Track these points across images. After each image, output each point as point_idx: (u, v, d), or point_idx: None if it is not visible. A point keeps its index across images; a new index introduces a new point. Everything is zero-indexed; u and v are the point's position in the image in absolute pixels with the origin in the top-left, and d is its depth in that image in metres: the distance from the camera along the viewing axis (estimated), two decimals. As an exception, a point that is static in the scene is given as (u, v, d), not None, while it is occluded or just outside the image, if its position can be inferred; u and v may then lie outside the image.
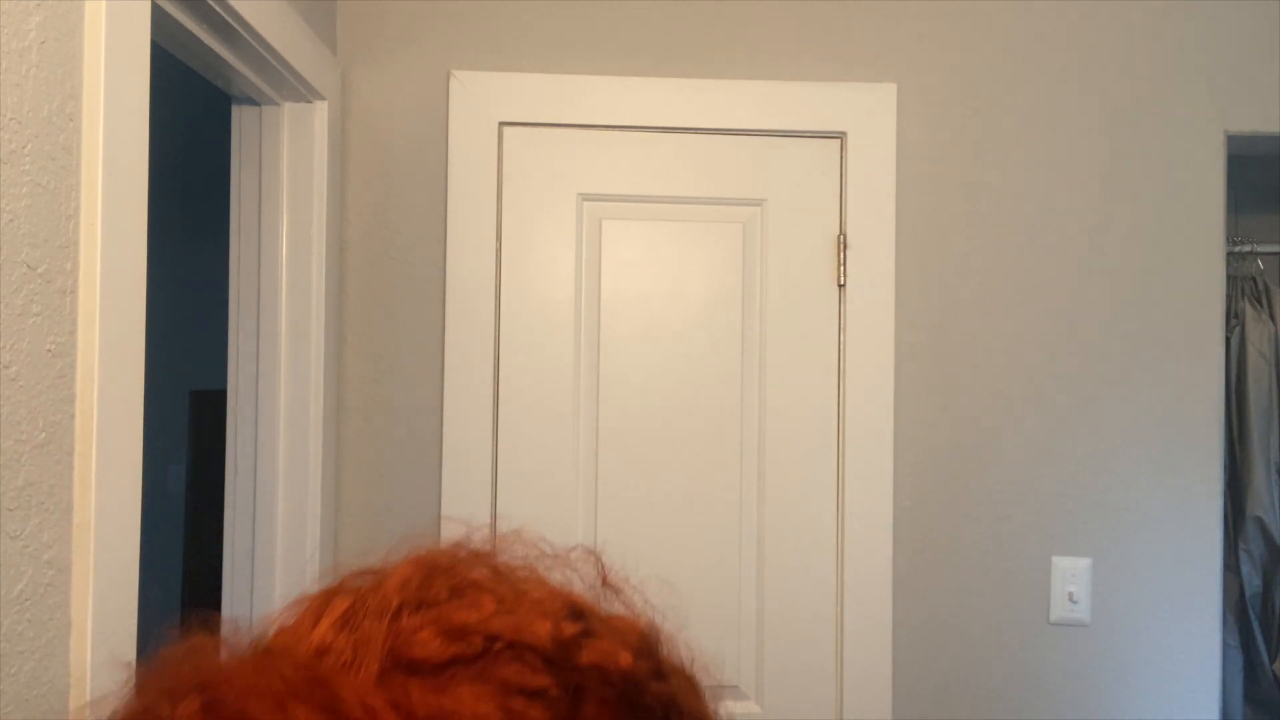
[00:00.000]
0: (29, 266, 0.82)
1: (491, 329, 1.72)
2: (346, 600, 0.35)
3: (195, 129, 2.37)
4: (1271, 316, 2.28)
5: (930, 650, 1.74)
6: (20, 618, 0.81)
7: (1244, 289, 2.30)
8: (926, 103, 1.78)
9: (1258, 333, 2.26)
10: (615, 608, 0.39)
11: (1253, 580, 2.25)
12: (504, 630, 0.34)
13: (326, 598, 0.36)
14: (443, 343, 1.72)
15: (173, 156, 2.10)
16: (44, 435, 0.84)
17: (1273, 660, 2.24)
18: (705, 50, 1.77)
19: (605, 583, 0.39)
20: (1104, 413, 1.76)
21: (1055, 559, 1.74)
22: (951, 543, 1.75)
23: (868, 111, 1.76)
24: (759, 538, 1.73)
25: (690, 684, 0.39)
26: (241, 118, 1.59)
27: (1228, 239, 1.84)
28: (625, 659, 0.35)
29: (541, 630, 0.34)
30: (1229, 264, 1.95)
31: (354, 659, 0.33)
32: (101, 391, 0.90)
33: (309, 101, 1.60)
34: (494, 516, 1.70)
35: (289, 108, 1.59)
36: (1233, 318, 2.26)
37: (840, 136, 1.77)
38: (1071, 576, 1.74)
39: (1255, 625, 2.25)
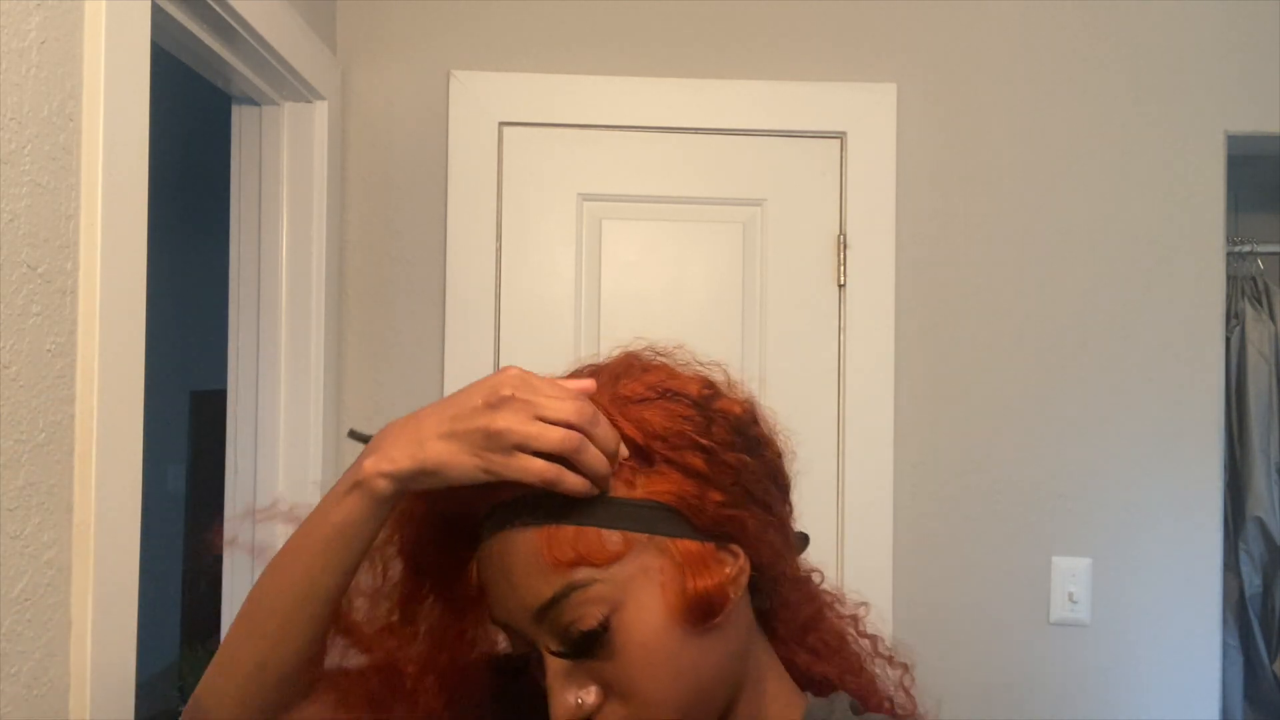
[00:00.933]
0: (29, 266, 0.82)
1: (491, 329, 1.72)
2: (586, 371, 0.75)
3: (195, 129, 2.36)
4: (1271, 316, 2.28)
5: (930, 650, 1.73)
6: (20, 618, 0.81)
7: (1244, 289, 2.30)
8: (926, 103, 1.78)
9: (1258, 333, 2.26)
10: (737, 394, 0.73)
11: (1253, 580, 2.25)
12: (672, 387, 0.68)
13: (574, 373, 0.74)
14: (443, 343, 1.72)
15: (173, 156, 2.10)
16: (44, 435, 0.84)
17: (1273, 660, 2.24)
18: (705, 50, 1.77)
19: (730, 384, 0.74)
20: (1104, 413, 1.76)
21: (1055, 559, 1.74)
22: (951, 543, 1.75)
23: (868, 111, 1.76)
24: (759, 538, 1.73)
25: (775, 440, 0.76)
26: (241, 118, 1.59)
27: (1228, 239, 1.84)
28: (737, 408, 0.71)
29: (692, 388, 0.69)
30: (1229, 264, 1.95)
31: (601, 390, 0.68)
32: (101, 391, 0.90)
33: (309, 101, 1.60)
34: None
35: (289, 108, 1.59)
36: (1233, 318, 2.26)
37: (840, 136, 1.77)
38: (1071, 576, 1.74)
39: (1255, 625, 2.25)
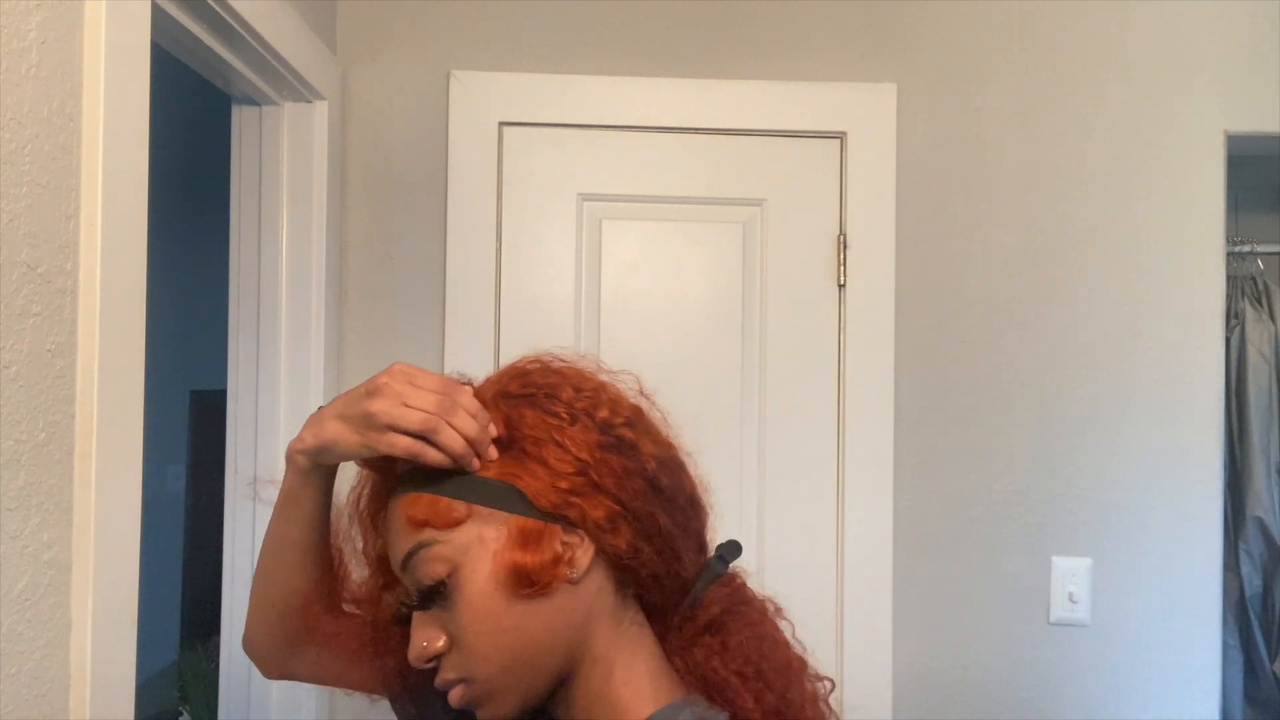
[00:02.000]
0: (29, 266, 0.82)
1: (491, 329, 1.72)
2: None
3: (195, 129, 2.36)
4: (1271, 316, 2.28)
5: (930, 650, 1.74)
6: (20, 618, 0.81)
7: (1244, 289, 2.30)
8: (926, 103, 1.78)
9: (1258, 333, 2.26)
10: (618, 401, 0.81)
11: (1253, 580, 2.25)
12: (548, 389, 0.79)
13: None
14: (443, 342, 1.72)
15: (173, 156, 2.10)
16: (44, 435, 0.84)
17: (1273, 660, 2.24)
18: (705, 50, 1.77)
19: (640, 392, 0.84)
20: (1104, 413, 1.76)
21: (1055, 559, 1.74)
22: (951, 543, 1.75)
23: (868, 111, 1.76)
24: (759, 537, 1.73)
25: (659, 445, 0.83)
26: (241, 118, 1.59)
27: (1228, 239, 1.84)
28: (604, 411, 0.78)
29: (565, 392, 0.79)
30: (1229, 264, 1.95)
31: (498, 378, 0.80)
32: (101, 391, 0.90)
33: (309, 101, 1.60)
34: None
35: (289, 108, 1.59)
36: (1233, 318, 2.26)
37: (840, 136, 1.77)
38: (1071, 576, 1.74)
39: (1255, 625, 2.25)
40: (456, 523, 0.72)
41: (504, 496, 0.72)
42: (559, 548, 0.72)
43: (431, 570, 0.71)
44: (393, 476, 0.78)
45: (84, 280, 0.90)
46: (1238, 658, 2.27)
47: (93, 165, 0.90)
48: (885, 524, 1.73)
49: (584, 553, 0.73)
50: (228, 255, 1.60)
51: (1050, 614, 1.74)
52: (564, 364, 0.82)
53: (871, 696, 1.71)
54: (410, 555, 0.72)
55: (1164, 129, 1.78)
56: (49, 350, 0.85)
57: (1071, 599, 1.73)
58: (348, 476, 0.82)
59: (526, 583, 0.70)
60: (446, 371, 1.71)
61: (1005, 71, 1.78)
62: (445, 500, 0.72)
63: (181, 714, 2.24)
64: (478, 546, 0.71)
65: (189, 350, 3.06)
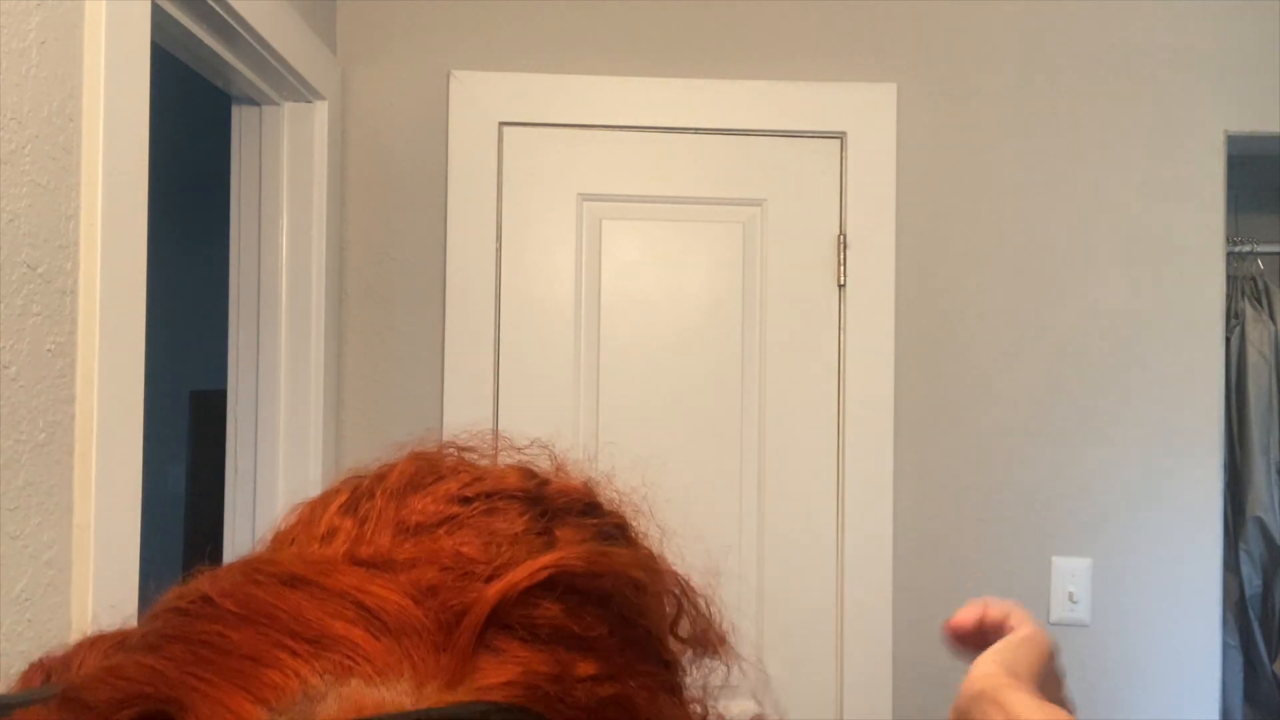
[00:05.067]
0: (29, 266, 0.82)
1: (491, 329, 1.72)
2: (345, 493, 0.42)
3: (195, 129, 2.37)
4: (1271, 316, 2.28)
5: (930, 650, 1.74)
6: (20, 618, 0.81)
7: (1244, 289, 2.30)
8: (926, 103, 1.78)
9: (1258, 333, 2.26)
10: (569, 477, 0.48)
11: (1253, 580, 2.25)
12: (484, 489, 0.42)
13: (325, 496, 0.43)
14: (443, 343, 1.72)
15: (173, 156, 2.10)
16: (44, 435, 0.84)
17: (1273, 660, 2.24)
18: (705, 50, 1.77)
19: (560, 468, 0.47)
20: (1104, 413, 1.76)
21: (1055, 559, 1.74)
22: (951, 543, 1.75)
23: (868, 111, 1.76)
24: (759, 537, 1.73)
25: (626, 514, 0.47)
26: (241, 118, 1.59)
27: (1228, 239, 1.84)
28: (579, 485, 0.45)
29: (512, 480, 0.43)
30: (1229, 264, 1.95)
31: (362, 534, 0.39)
32: (101, 391, 0.90)
33: (309, 101, 1.60)
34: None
35: (289, 108, 1.59)
36: (1233, 318, 2.26)
37: (840, 136, 1.77)
38: (1071, 576, 1.74)
39: (1255, 625, 2.25)
40: None
41: None
42: None
43: None
44: None
45: (84, 280, 0.90)
46: (1238, 658, 2.27)
47: (93, 165, 0.90)
48: (885, 524, 1.73)
49: None
50: (228, 255, 1.60)
51: (1050, 614, 1.74)
52: (470, 452, 0.49)
53: (871, 697, 1.71)
54: None
55: (1164, 129, 1.78)
56: (49, 350, 0.85)
57: (1071, 599, 1.73)
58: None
59: None
60: (447, 375, 1.72)
61: (1005, 71, 1.78)
62: None
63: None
64: None
65: (189, 350, 3.06)
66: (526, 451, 0.48)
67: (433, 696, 0.35)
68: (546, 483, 0.45)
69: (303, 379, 1.58)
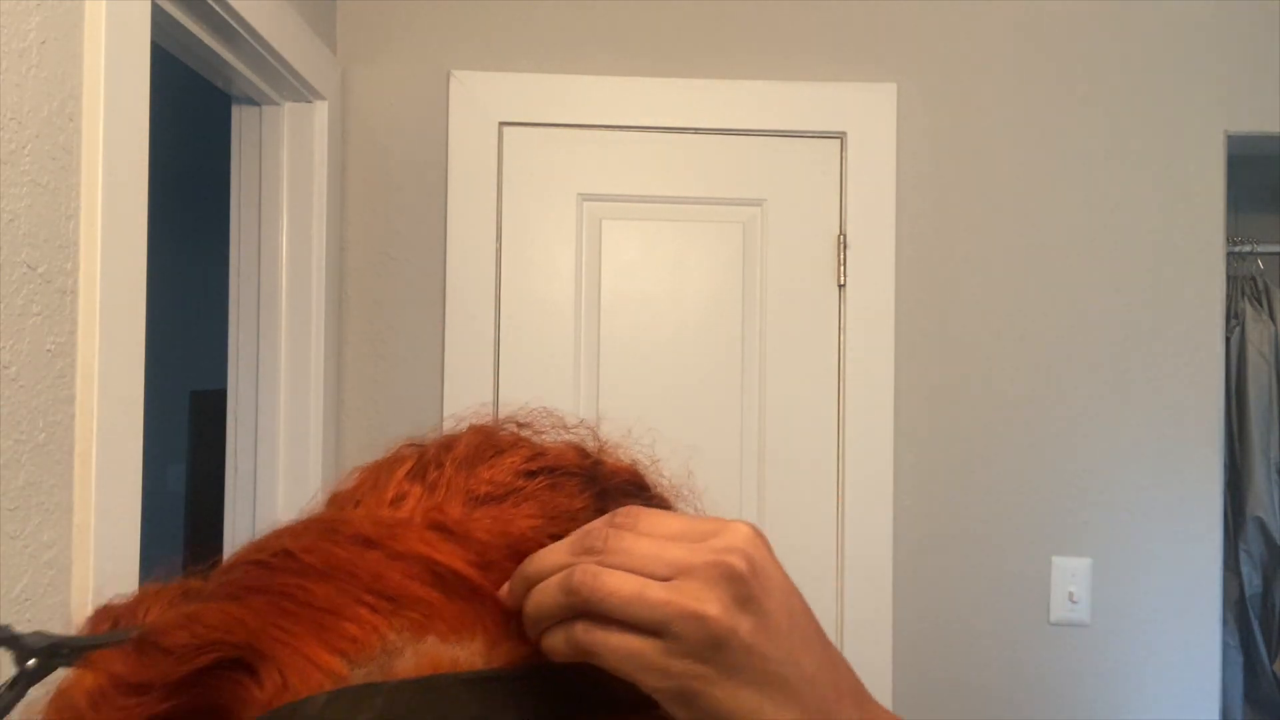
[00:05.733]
0: (29, 266, 0.82)
1: (491, 329, 1.72)
2: (410, 460, 0.44)
3: (195, 129, 2.37)
4: (1271, 316, 2.28)
5: (930, 650, 1.74)
6: (20, 618, 0.81)
7: (1244, 289, 2.29)
8: (926, 103, 1.78)
9: (1258, 333, 2.26)
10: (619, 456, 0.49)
11: (1253, 580, 2.25)
12: (546, 465, 0.44)
13: (388, 462, 0.44)
14: (443, 343, 1.72)
15: (173, 156, 2.10)
16: (44, 435, 0.84)
17: (1273, 660, 2.24)
18: (705, 50, 1.77)
19: (604, 448, 0.49)
20: (1104, 413, 1.76)
21: (1055, 559, 1.74)
22: (951, 543, 1.75)
23: (868, 111, 1.76)
24: (759, 538, 1.73)
25: (669, 497, 0.49)
26: (241, 118, 1.59)
27: (1228, 239, 1.84)
28: (628, 465, 0.47)
29: (571, 458, 0.45)
30: (1229, 264, 1.95)
31: (434, 501, 0.41)
32: (101, 391, 0.90)
33: (309, 101, 1.60)
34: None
35: (289, 108, 1.59)
36: (1233, 318, 2.26)
37: (840, 136, 1.77)
38: (1071, 576, 1.74)
39: (1255, 625, 2.25)
40: None
41: (569, 696, 0.41)
42: None
43: None
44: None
45: (84, 280, 0.90)
46: (1238, 658, 2.27)
47: (93, 165, 0.90)
48: (885, 524, 1.73)
49: None
50: (228, 255, 1.60)
51: (1050, 614, 1.74)
52: (526, 428, 0.51)
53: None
54: None
55: (1164, 129, 1.78)
56: (49, 350, 0.85)
57: (1071, 599, 1.73)
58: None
59: None
60: (447, 375, 1.72)
61: (1005, 71, 1.78)
62: None
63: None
64: None
65: (189, 350, 3.06)
66: (574, 430, 0.49)
67: (503, 657, 0.37)
68: (600, 462, 0.47)
69: (303, 379, 1.58)
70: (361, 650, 0.36)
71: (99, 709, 0.36)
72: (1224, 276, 1.79)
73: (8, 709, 0.37)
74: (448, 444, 0.45)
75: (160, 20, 1.14)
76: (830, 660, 0.41)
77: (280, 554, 0.38)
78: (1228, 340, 2.18)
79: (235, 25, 1.27)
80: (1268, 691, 2.25)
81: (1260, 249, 2.29)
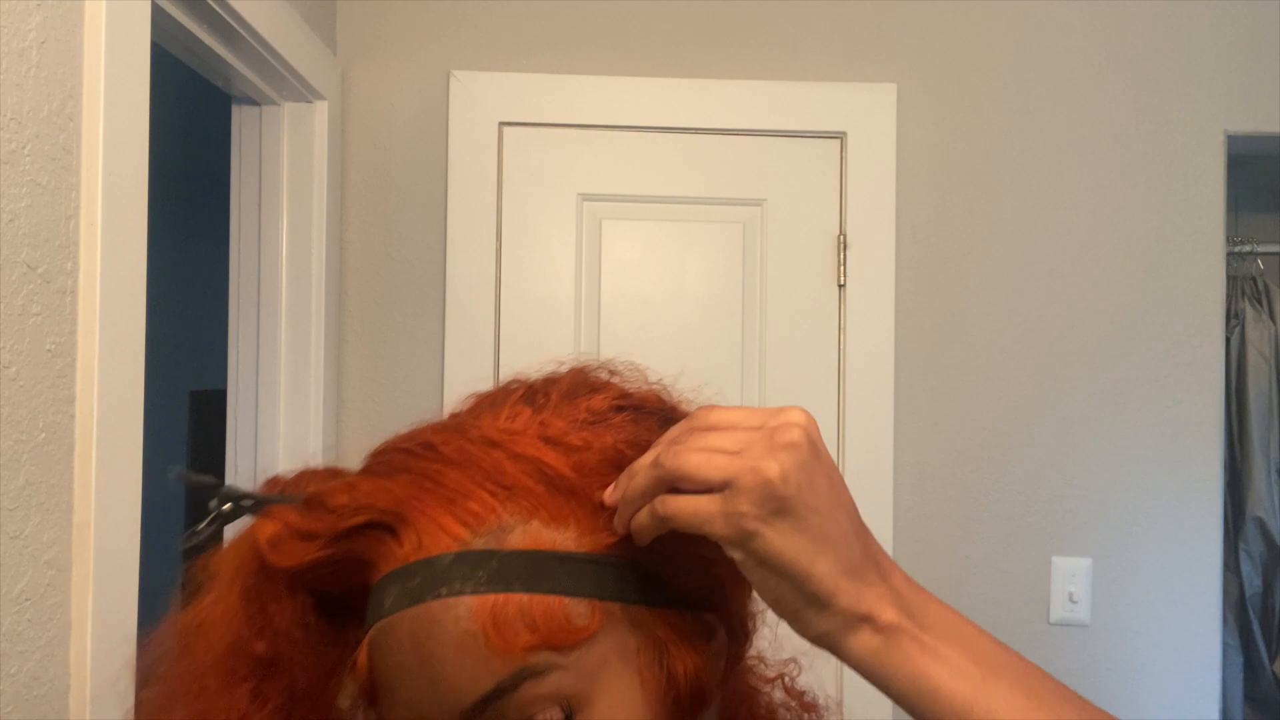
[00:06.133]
0: (29, 266, 0.82)
1: (491, 329, 1.72)
2: (520, 390, 0.55)
3: (195, 129, 2.36)
4: (1271, 316, 2.28)
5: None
6: (20, 618, 0.81)
7: (1244, 289, 2.30)
8: (926, 103, 1.78)
9: (1258, 333, 2.26)
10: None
11: (1253, 580, 2.25)
12: (633, 403, 0.55)
13: (501, 392, 0.55)
14: (442, 343, 1.72)
15: (173, 156, 2.10)
16: (44, 435, 0.84)
17: (1273, 660, 2.24)
18: (705, 50, 1.77)
19: (679, 403, 0.59)
20: (1104, 413, 1.76)
21: (1055, 559, 1.74)
22: (951, 543, 1.75)
23: (868, 111, 1.76)
24: (759, 538, 1.73)
25: None
26: (241, 118, 1.59)
27: (1228, 239, 1.84)
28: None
29: (653, 401, 0.56)
30: (1229, 264, 1.95)
31: (544, 419, 0.51)
32: (101, 391, 0.90)
33: (309, 101, 1.60)
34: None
35: (289, 108, 1.59)
36: (1233, 318, 2.26)
37: (840, 136, 1.77)
38: (1071, 576, 1.74)
39: (1255, 625, 2.25)
40: (583, 635, 0.46)
41: (637, 581, 0.49)
42: (710, 643, 0.52)
43: (541, 712, 0.46)
44: (347, 575, 0.50)
45: (84, 280, 0.90)
46: (1238, 658, 2.27)
47: (93, 165, 0.90)
48: (885, 524, 1.73)
49: (723, 644, 0.53)
50: (228, 255, 1.60)
51: (1050, 614, 1.74)
52: (616, 376, 0.61)
53: (871, 696, 1.70)
54: (498, 696, 0.45)
55: (1164, 129, 1.78)
56: (49, 350, 0.85)
57: (1071, 599, 1.73)
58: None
59: (702, 703, 0.50)
60: (447, 375, 1.72)
61: (1005, 71, 1.78)
62: (555, 601, 0.46)
63: (181, 714, 2.24)
64: (617, 666, 0.48)
65: (189, 350, 3.05)
66: (653, 384, 0.60)
67: (590, 545, 0.48)
68: (675, 407, 0.58)
69: (303, 379, 1.58)
70: (481, 524, 0.47)
71: (275, 548, 0.48)
72: (1224, 276, 1.79)
73: (207, 540, 0.49)
74: (551, 379, 0.56)
75: (160, 20, 1.14)
76: (860, 529, 0.48)
77: (423, 445, 0.50)
78: (1228, 340, 2.18)
79: (235, 25, 1.27)
80: (1268, 691, 2.25)
81: (1260, 249, 2.29)
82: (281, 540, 0.48)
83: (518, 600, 0.46)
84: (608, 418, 0.53)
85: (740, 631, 0.56)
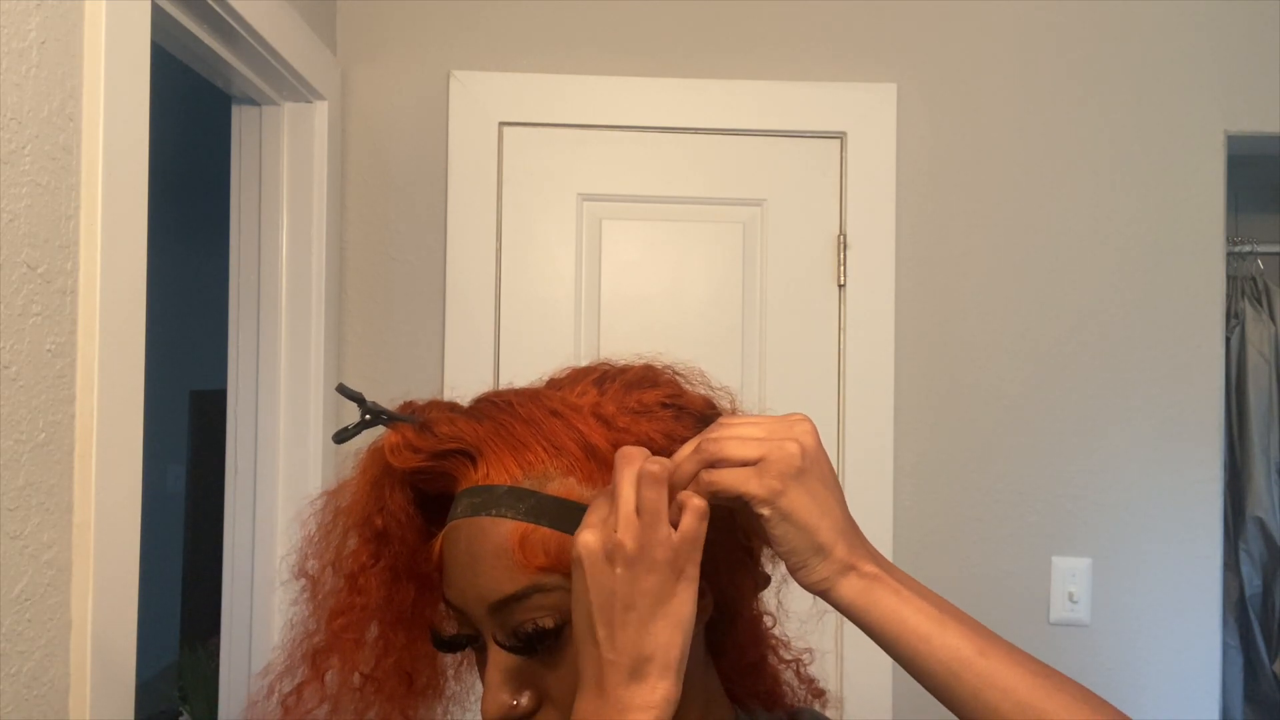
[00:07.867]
0: (29, 266, 0.82)
1: (491, 329, 1.72)
2: (598, 373, 0.69)
3: (195, 129, 2.37)
4: (1271, 316, 2.28)
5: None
6: (20, 618, 0.81)
7: (1244, 289, 2.30)
8: (926, 103, 1.78)
9: (1258, 333, 2.26)
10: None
11: (1253, 580, 2.25)
12: (680, 403, 0.67)
13: (584, 370, 0.71)
14: (443, 342, 1.72)
15: (173, 156, 2.10)
16: (44, 435, 0.84)
17: (1273, 660, 2.24)
18: (705, 50, 1.77)
19: (735, 410, 0.73)
20: (1104, 413, 1.76)
21: (1055, 559, 1.74)
22: (951, 543, 1.75)
23: (868, 111, 1.76)
24: (759, 538, 1.73)
25: None
26: (241, 118, 1.59)
27: (1228, 239, 1.84)
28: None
29: (698, 404, 0.69)
30: (1229, 264, 1.95)
31: (602, 401, 0.66)
32: (101, 391, 0.90)
33: (309, 101, 1.60)
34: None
35: (289, 108, 1.59)
36: (1233, 318, 2.26)
37: (840, 136, 1.77)
38: (1071, 576, 1.74)
39: (1255, 625, 2.25)
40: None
41: None
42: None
43: (543, 618, 0.61)
44: (445, 483, 0.67)
45: (84, 280, 0.90)
46: (1238, 658, 2.27)
47: (93, 165, 0.90)
48: (885, 524, 1.73)
49: (706, 609, 0.65)
50: (228, 255, 1.60)
51: (1050, 614, 1.74)
52: (681, 377, 0.73)
53: (871, 697, 1.71)
54: (515, 599, 0.61)
55: (1164, 129, 1.78)
56: (49, 350, 0.85)
57: (1071, 599, 1.73)
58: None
59: None
60: (447, 375, 1.72)
61: (1005, 71, 1.78)
62: (569, 538, 0.60)
63: (181, 714, 2.24)
64: None
65: (189, 350, 3.06)
66: (717, 391, 0.73)
67: None
68: (719, 413, 0.70)
69: (303, 379, 1.58)
70: (532, 470, 0.63)
71: (394, 453, 0.65)
72: (1224, 276, 1.78)
73: (349, 437, 0.66)
74: (623, 369, 0.70)
75: (160, 20, 1.14)
76: (846, 509, 0.61)
77: (507, 402, 0.65)
78: (1228, 340, 2.18)
79: (235, 25, 1.27)
80: (1268, 691, 2.26)
81: (1260, 249, 2.29)
82: (399, 449, 0.65)
83: (543, 532, 0.61)
84: (653, 410, 0.66)
85: (726, 602, 0.68)
